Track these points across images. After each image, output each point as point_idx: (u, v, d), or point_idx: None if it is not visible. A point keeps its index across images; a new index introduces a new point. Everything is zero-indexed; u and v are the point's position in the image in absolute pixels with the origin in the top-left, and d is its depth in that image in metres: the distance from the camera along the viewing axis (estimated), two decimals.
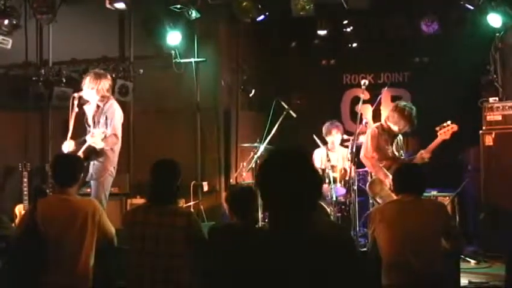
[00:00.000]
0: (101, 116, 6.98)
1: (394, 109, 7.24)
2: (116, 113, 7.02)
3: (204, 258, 4.79)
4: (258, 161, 8.44)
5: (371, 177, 7.60)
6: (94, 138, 6.74)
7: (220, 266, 4.53)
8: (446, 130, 7.08)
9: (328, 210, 7.81)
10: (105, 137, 6.77)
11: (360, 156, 7.38)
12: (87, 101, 7.10)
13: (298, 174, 2.65)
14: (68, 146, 6.93)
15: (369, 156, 7.23)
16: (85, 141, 6.86)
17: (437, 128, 7.11)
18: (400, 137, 7.42)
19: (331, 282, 2.54)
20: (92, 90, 6.94)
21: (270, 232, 2.71)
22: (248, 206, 4.97)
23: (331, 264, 2.56)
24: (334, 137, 8.72)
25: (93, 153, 6.90)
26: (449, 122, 7.10)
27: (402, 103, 7.32)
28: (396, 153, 7.28)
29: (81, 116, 7.13)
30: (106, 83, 7.03)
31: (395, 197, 5.25)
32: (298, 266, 2.53)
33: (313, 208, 2.72)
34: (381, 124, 7.38)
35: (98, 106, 7.02)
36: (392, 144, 7.31)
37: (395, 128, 7.22)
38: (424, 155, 7.10)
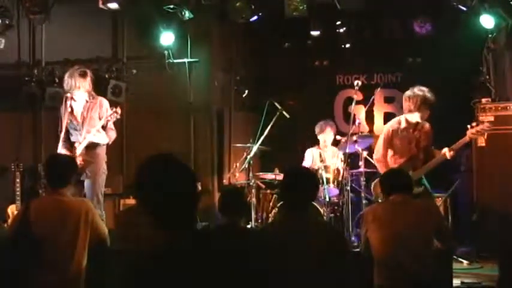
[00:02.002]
0: (93, 112, 7.04)
1: (411, 97, 6.92)
2: (109, 109, 7.11)
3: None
4: (251, 162, 8.45)
5: (364, 177, 7.61)
6: (99, 137, 6.90)
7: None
8: (480, 129, 6.69)
9: (321, 210, 7.81)
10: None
11: (373, 157, 7.26)
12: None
13: (173, 177, 2.71)
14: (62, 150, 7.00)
15: (381, 158, 7.04)
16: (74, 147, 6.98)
17: (468, 126, 6.70)
18: (426, 127, 7.02)
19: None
20: (86, 92, 7.02)
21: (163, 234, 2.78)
22: (235, 206, 4.99)
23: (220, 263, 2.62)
24: (328, 135, 8.69)
25: (89, 155, 6.97)
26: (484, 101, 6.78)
27: (409, 92, 7.03)
28: (413, 151, 6.92)
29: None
30: (90, 79, 7.17)
31: None
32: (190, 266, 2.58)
33: (193, 209, 2.78)
34: (399, 121, 7.09)
35: (87, 101, 7.09)
36: (413, 141, 6.95)
37: (417, 118, 6.92)
38: (449, 153, 6.69)
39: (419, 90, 6.95)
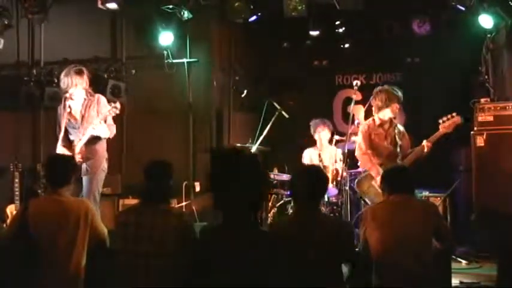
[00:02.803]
0: (91, 109, 7.02)
1: (376, 95, 7.18)
2: (106, 106, 7.07)
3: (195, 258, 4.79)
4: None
5: None
6: (99, 130, 6.85)
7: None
8: (451, 123, 6.95)
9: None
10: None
11: (355, 154, 7.38)
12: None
13: (249, 173, 2.67)
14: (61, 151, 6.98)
15: (365, 151, 7.18)
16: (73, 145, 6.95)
17: (440, 121, 6.97)
18: (400, 128, 7.25)
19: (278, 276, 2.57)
20: (78, 87, 6.99)
21: (222, 230, 2.73)
22: None
23: (277, 259, 2.60)
24: (322, 134, 8.73)
25: (88, 152, 6.96)
26: (454, 114, 6.96)
27: (378, 88, 7.32)
28: (390, 148, 7.13)
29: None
30: (87, 76, 7.13)
31: (382, 196, 5.25)
32: (248, 259, 2.56)
33: (260, 206, 2.75)
34: (373, 119, 7.30)
35: (85, 99, 7.06)
36: (388, 138, 7.18)
37: (388, 113, 7.13)
38: (427, 144, 6.92)
39: (384, 87, 7.24)
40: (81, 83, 6.99)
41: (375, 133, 7.21)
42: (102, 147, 7.12)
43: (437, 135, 7.00)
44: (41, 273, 4.81)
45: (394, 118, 7.25)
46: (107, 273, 5.17)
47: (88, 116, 6.99)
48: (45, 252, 4.82)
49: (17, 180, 7.78)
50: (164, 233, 4.65)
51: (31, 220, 4.87)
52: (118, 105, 6.93)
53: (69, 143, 7.03)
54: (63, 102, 7.05)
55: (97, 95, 7.17)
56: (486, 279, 6.36)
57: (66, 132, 7.07)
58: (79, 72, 7.02)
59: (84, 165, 6.93)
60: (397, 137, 7.14)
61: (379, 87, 7.30)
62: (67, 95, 6.99)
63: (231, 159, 2.75)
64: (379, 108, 7.16)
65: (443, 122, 6.96)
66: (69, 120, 7.04)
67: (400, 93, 7.17)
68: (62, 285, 4.86)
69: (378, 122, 7.23)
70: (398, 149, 7.13)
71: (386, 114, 7.15)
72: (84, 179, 6.94)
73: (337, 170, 8.26)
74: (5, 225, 7.26)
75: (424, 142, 6.97)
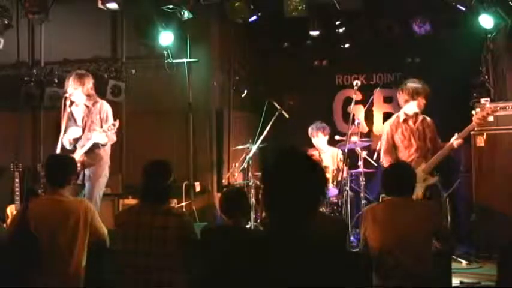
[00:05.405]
0: (94, 116, 7.04)
1: (403, 89, 7.12)
2: (109, 112, 7.16)
3: (196, 259, 4.80)
4: (251, 162, 8.45)
5: (364, 178, 7.62)
6: (98, 135, 6.87)
7: (212, 267, 4.56)
8: (484, 114, 6.88)
9: (320, 210, 7.82)
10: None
11: (380, 154, 7.35)
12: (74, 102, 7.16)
13: (306, 174, 2.60)
14: (75, 132, 7.03)
15: (385, 154, 7.17)
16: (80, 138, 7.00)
17: (473, 112, 6.92)
18: (428, 120, 7.18)
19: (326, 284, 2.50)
20: (76, 90, 7.00)
21: (269, 232, 2.66)
22: (239, 206, 5.01)
23: (327, 267, 2.53)
24: (319, 140, 8.73)
25: (90, 158, 6.98)
26: (483, 100, 6.91)
27: (405, 82, 7.25)
28: (418, 143, 7.06)
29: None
30: (90, 82, 7.15)
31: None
32: (296, 267, 2.50)
33: (316, 208, 2.68)
34: (397, 116, 7.26)
35: (87, 106, 7.08)
36: (416, 133, 7.10)
37: (414, 107, 7.06)
38: (456, 142, 6.87)
39: (412, 81, 7.17)
40: (75, 86, 7.00)
41: (401, 131, 7.15)
42: (106, 154, 7.17)
43: (470, 128, 6.99)
44: (42, 273, 4.81)
45: (420, 113, 7.20)
46: (107, 273, 5.18)
47: (90, 124, 7.02)
48: (46, 252, 4.83)
49: (17, 180, 7.77)
50: (164, 233, 4.66)
51: (31, 220, 4.87)
52: (117, 123, 6.94)
53: (73, 150, 7.07)
54: (63, 102, 7.07)
55: (99, 102, 7.19)
56: (486, 279, 6.36)
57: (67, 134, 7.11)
58: (80, 76, 7.05)
59: (87, 171, 6.98)
60: (427, 130, 7.13)
61: (407, 82, 7.18)
62: (66, 95, 7.03)
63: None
64: (405, 101, 7.10)
65: (477, 113, 6.91)
66: (74, 124, 7.08)
67: (427, 88, 7.12)
68: (62, 285, 4.86)
69: (402, 117, 7.17)
70: (429, 144, 7.11)
71: (412, 108, 7.10)
72: (87, 184, 6.98)
73: (337, 170, 8.26)
74: (5, 225, 7.26)
75: (454, 139, 6.91)
